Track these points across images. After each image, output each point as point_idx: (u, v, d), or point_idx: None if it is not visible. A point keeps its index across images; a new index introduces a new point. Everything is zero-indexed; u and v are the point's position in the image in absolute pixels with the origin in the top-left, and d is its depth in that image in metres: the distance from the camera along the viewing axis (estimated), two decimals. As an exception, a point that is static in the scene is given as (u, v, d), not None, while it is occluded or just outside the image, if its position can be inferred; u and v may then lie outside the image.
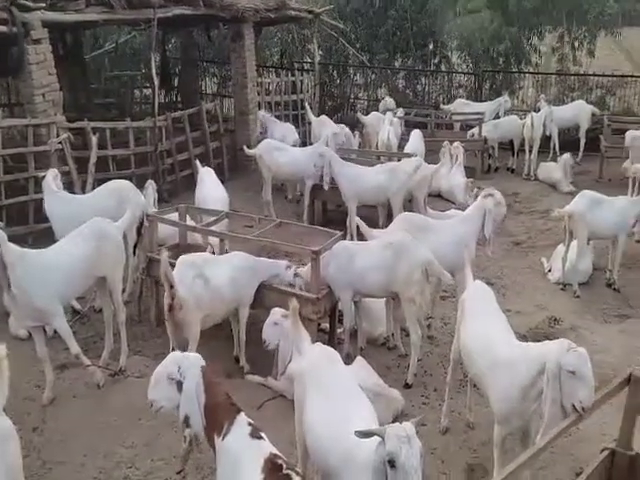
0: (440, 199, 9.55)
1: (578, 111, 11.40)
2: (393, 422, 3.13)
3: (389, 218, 7.27)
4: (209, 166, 8.51)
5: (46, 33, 7.42)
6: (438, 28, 14.37)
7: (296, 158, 8.69)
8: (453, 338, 4.42)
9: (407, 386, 5.03)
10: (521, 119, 11.28)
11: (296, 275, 5.17)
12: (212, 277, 4.83)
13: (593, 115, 11.39)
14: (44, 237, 6.53)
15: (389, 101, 12.36)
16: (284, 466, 2.63)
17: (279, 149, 8.80)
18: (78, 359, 4.77)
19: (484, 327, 3.91)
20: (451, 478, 4.07)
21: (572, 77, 13.57)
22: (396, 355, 5.55)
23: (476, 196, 7.40)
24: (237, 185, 9.92)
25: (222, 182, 7.92)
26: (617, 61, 19.60)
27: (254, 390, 4.88)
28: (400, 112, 11.40)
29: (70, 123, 7.97)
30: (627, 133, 9.39)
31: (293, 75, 13.00)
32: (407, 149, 9.46)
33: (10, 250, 4.36)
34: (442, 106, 12.98)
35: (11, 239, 4.49)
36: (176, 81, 14.85)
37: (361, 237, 6.10)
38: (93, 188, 7.30)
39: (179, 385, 2.96)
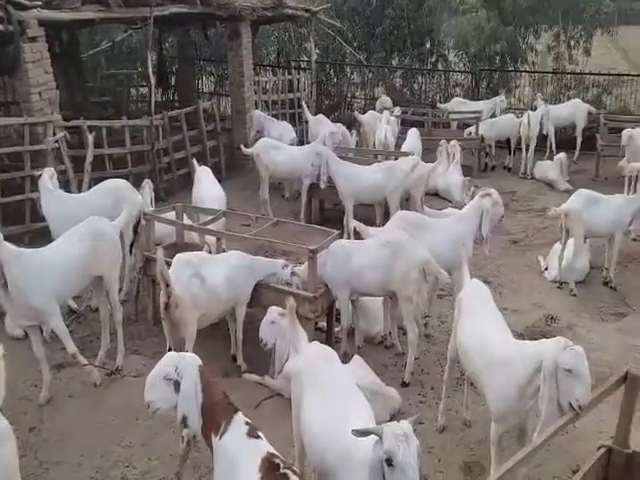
0: (437, 198, 9.56)
1: (574, 110, 11.42)
2: (390, 421, 3.13)
3: (386, 217, 7.27)
4: (206, 165, 8.50)
5: (42, 31, 7.40)
6: (435, 27, 14.38)
7: (293, 157, 8.68)
8: (450, 337, 4.42)
9: (404, 385, 5.03)
10: (518, 118, 11.29)
11: (293, 274, 5.17)
12: (208, 276, 4.82)
13: (589, 114, 11.41)
14: (40, 236, 6.52)
15: (386, 100, 12.36)
16: (281, 465, 2.62)
17: (276, 148, 8.79)
18: (75, 358, 4.76)
19: (481, 325, 3.92)
20: (448, 476, 4.07)
21: (568, 76, 13.60)
22: (393, 354, 5.55)
23: (473, 195, 7.43)
24: (234, 184, 9.91)
25: (219, 181, 7.92)
26: (613, 60, 19.64)
27: (251, 389, 4.88)
28: (397, 111, 11.41)
29: (66, 122, 7.95)
30: (623, 132, 9.40)
31: (290, 74, 13.00)
32: (404, 148, 9.47)
33: (6, 249, 4.35)
34: (439, 105, 12.98)
35: (7, 238, 4.48)
36: (173, 80, 14.83)
37: (358, 236, 6.10)
38: (89, 187, 7.29)
39: (176, 385, 2.95)
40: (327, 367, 3.40)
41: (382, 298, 5.60)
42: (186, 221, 6.31)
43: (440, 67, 15.20)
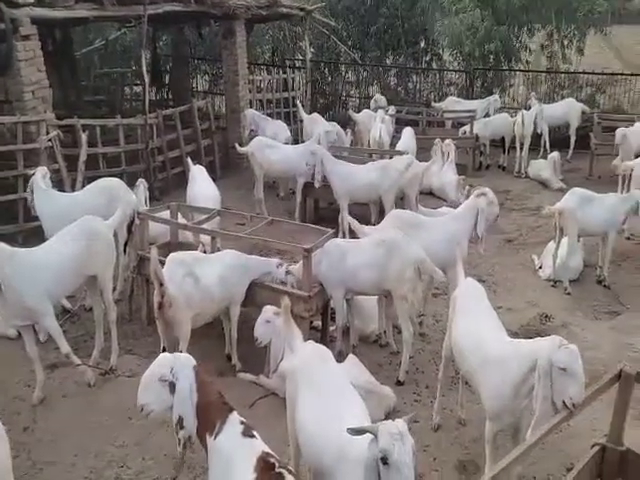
0: (432, 197, 9.58)
1: (568, 109, 11.46)
2: (385, 419, 3.13)
3: (381, 215, 7.27)
4: (200, 164, 8.49)
5: (35, 29, 7.36)
6: (429, 26, 14.40)
7: (288, 156, 8.67)
8: (445, 335, 4.43)
9: (399, 383, 5.04)
10: (512, 117, 11.32)
11: (288, 272, 5.16)
12: (202, 275, 4.81)
13: (583, 113, 11.46)
14: (34, 236, 6.48)
15: (380, 98, 12.37)
16: (276, 464, 2.62)
17: (271, 147, 8.78)
18: (68, 358, 4.74)
19: (475, 324, 3.92)
20: (443, 475, 4.08)
21: (562, 75, 13.64)
22: (388, 352, 5.56)
23: (468, 194, 7.45)
24: (229, 183, 9.89)
25: (214, 180, 7.90)
26: (606, 59, 19.73)
27: (246, 388, 4.87)
28: (392, 110, 11.42)
29: (60, 120, 7.90)
30: (617, 131, 9.44)
31: (285, 73, 12.98)
32: (399, 147, 9.47)
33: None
34: (433, 104, 13.00)
35: (0, 238, 4.46)
36: (167, 78, 14.78)
37: (353, 235, 6.10)
38: (83, 186, 7.24)
39: (172, 387, 2.93)
40: (322, 366, 3.39)
41: (377, 297, 5.60)
42: (180, 220, 6.29)
43: (434, 66, 15.22)
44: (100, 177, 6.76)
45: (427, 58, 15.47)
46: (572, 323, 6.03)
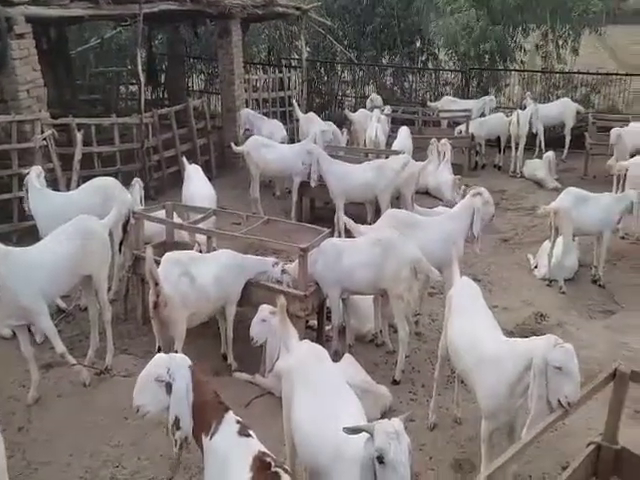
0: (427, 196, 9.58)
1: (563, 109, 11.50)
2: (381, 418, 3.13)
3: (377, 215, 7.27)
4: (196, 163, 8.46)
5: (30, 28, 7.33)
6: (424, 26, 14.41)
7: (284, 155, 8.67)
8: (441, 334, 4.44)
9: (395, 382, 5.04)
10: (507, 116, 11.35)
11: (283, 272, 5.16)
12: (198, 275, 4.80)
13: (578, 113, 11.50)
14: (28, 235, 6.45)
15: (376, 98, 12.37)
16: (272, 464, 2.62)
17: (267, 146, 8.77)
18: (63, 358, 4.71)
19: (471, 323, 3.93)
20: (439, 473, 4.08)
21: (557, 75, 13.68)
22: (384, 352, 5.56)
23: (464, 193, 7.46)
24: (225, 182, 9.87)
25: (209, 179, 7.89)
26: (601, 59, 19.80)
27: (242, 388, 4.87)
28: (387, 109, 11.43)
29: (55, 119, 7.88)
30: (612, 131, 9.46)
31: (280, 72, 12.97)
32: (395, 146, 9.48)
33: (-7, 248, 4.31)
34: (429, 103, 13.02)
35: (-6, 237, 4.44)
36: (163, 77, 14.75)
37: (349, 234, 6.10)
38: (78, 185, 7.23)
39: (168, 387, 2.92)
40: (318, 365, 3.39)
41: (373, 296, 5.60)
42: (176, 220, 6.28)
43: (430, 66, 15.24)
44: (95, 176, 6.74)
45: (423, 58, 15.49)
46: (567, 322, 6.05)
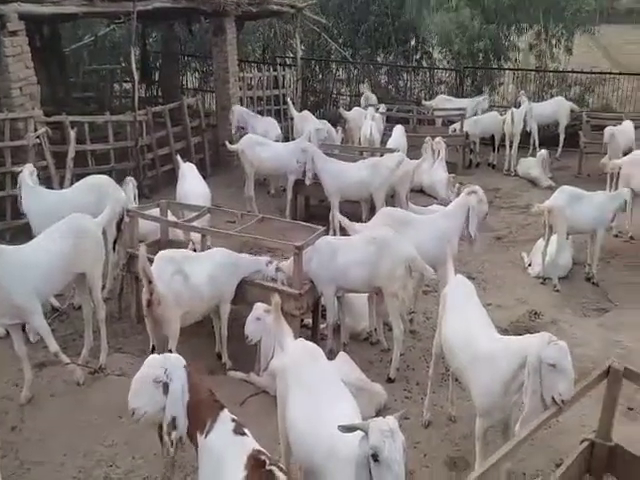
0: (422, 194, 9.59)
1: (557, 107, 11.54)
2: (376, 416, 3.13)
3: (372, 213, 7.27)
4: (190, 161, 8.44)
5: (23, 25, 7.29)
6: (418, 25, 14.42)
7: (278, 153, 8.65)
8: (435, 332, 4.44)
9: (390, 380, 5.04)
10: (501, 115, 11.38)
11: (278, 269, 5.15)
12: (192, 274, 4.78)
13: (572, 111, 11.54)
14: (22, 233, 6.41)
15: (370, 96, 12.37)
16: (267, 462, 2.61)
17: (261, 144, 8.75)
18: (57, 357, 4.69)
19: (465, 321, 3.93)
20: (433, 471, 4.09)
21: (551, 74, 13.72)
22: (379, 350, 5.57)
23: (458, 192, 7.46)
24: (219, 181, 9.85)
25: (204, 177, 7.86)
26: (595, 58, 19.86)
27: (236, 386, 4.86)
28: (382, 108, 11.43)
29: (48, 117, 7.84)
30: (605, 129, 9.51)
31: (275, 70, 12.94)
32: (389, 144, 9.48)
33: (-14, 246, 4.28)
34: (424, 102, 13.03)
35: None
36: (157, 75, 14.69)
37: (344, 232, 6.10)
38: (72, 183, 7.19)
39: (165, 387, 2.90)
40: (313, 364, 3.39)
41: (367, 294, 5.61)
42: (170, 218, 6.26)
43: (425, 64, 15.26)
44: (89, 174, 6.71)
45: (417, 56, 15.50)
46: (561, 320, 6.07)
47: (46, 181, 7.31)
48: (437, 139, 10.03)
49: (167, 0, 9.18)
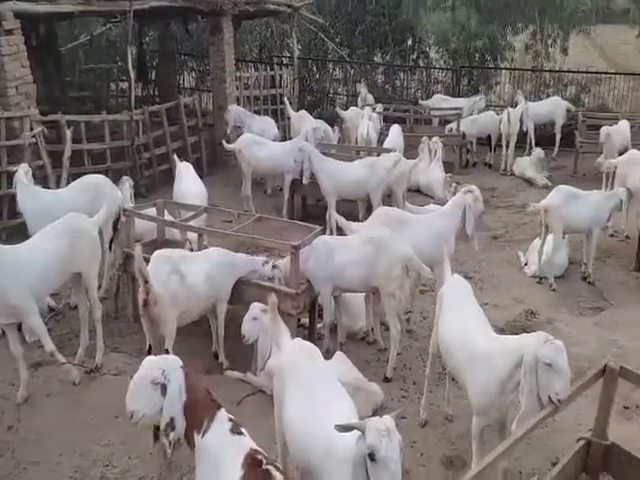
0: (419, 194, 9.61)
1: (554, 107, 11.56)
2: (373, 416, 3.14)
3: (369, 213, 7.28)
4: (187, 161, 8.42)
5: (18, 24, 7.26)
6: (415, 24, 14.43)
7: (275, 153, 8.65)
8: (432, 332, 4.45)
9: (386, 380, 5.05)
10: (498, 115, 11.40)
11: (274, 267, 5.14)
12: (188, 273, 4.77)
13: (568, 111, 11.57)
14: (18, 233, 6.40)
15: (366, 95, 12.37)
16: (264, 461, 2.61)
17: (258, 144, 8.75)
18: (53, 357, 4.68)
19: (462, 321, 3.94)
20: (430, 470, 4.10)
21: (547, 74, 13.74)
22: (375, 349, 5.57)
23: (455, 191, 7.48)
24: (216, 180, 9.84)
25: (201, 177, 7.86)
26: (591, 58, 19.89)
27: (233, 386, 4.86)
28: (379, 107, 11.43)
29: (44, 116, 7.82)
30: (601, 129, 9.53)
31: (272, 70, 12.93)
32: (386, 144, 9.49)
33: (-18, 246, 4.27)
34: (420, 101, 13.04)
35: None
36: (153, 74, 14.65)
37: (341, 232, 6.10)
38: (68, 183, 7.16)
39: (163, 389, 2.90)
40: (309, 363, 3.39)
41: (364, 294, 5.61)
42: (167, 217, 6.25)
43: (421, 64, 15.26)
44: (85, 174, 6.70)
45: (414, 56, 15.50)
46: (557, 319, 6.09)
47: (42, 180, 7.29)
48: (434, 139, 10.04)
49: (164, -1, 9.16)
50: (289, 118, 11.10)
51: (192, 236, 5.85)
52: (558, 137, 11.47)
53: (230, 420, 2.82)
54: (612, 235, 8.05)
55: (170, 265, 4.72)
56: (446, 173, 9.55)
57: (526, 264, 7.31)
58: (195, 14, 11.48)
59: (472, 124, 11.26)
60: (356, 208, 8.05)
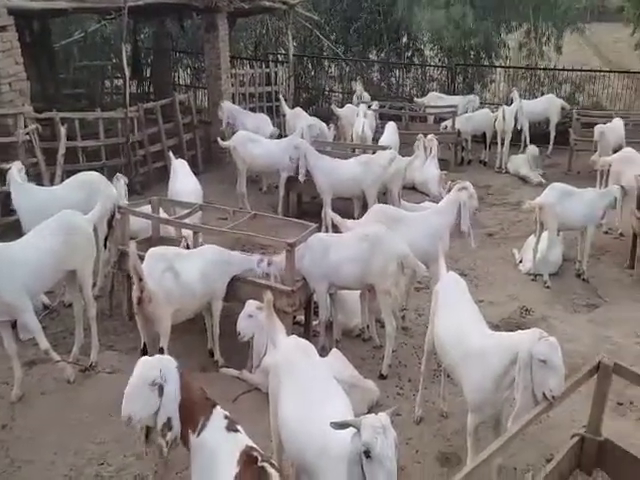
0: (414, 191, 9.62)
1: (548, 105, 11.59)
2: (368, 413, 3.14)
3: (364, 210, 7.27)
4: (182, 158, 8.40)
5: (12, 20, 7.23)
6: (409, 22, 14.42)
7: (271, 150, 8.63)
8: (427, 329, 4.45)
9: (382, 377, 5.06)
10: (493, 112, 11.42)
11: (270, 264, 5.14)
12: (183, 271, 4.76)
13: (563, 109, 11.60)
14: (12, 230, 6.36)
15: (361, 92, 12.37)
16: (259, 458, 2.62)
17: (253, 141, 8.73)
18: (47, 355, 4.66)
19: (457, 318, 3.95)
20: (425, 467, 4.11)
21: (542, 72, 13.76)
22: (371, 346, 5.58)
23: (450, 189, 7.48)
24: (211, 177, 9.82)
25: (196, 174, 7.84)
26: (585, 56, 19.95)
27: (229, 383, 4.85)
28: (375, 105, 11.43)
29: (38, 114, 7.78)
30: (595, 127, 9.57)
31: (267, 67, 12.90)
32: (382, 142, 9.49)
33: (-25, 244, 4.24)
34: (416, 99, 13.05)
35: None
36: (148, 71, 14.60)
37: (336, 229, 6.10)
38: (62, 180, 7.14)
39: (160, 390, 2.89)
40: (305, 361, 3.39)
41: (360, 291, 5.61)
42: (162, 215, 6.23)
43: (416, 61, 15.26)
44: (79, 171, 6.66)
45: (409, 54, 15.50)
46: (552, 316, 6.11)
47: (36, 178, 7.25)
48: (429, 136, 10.04)
49: (158, -4, 9.13)
50: (284, 115, 11.08)
51: (187, 233, 5.84)
52: (552, 135, 11.51)
53: (226, 417, 2.83)
54: (606, 232, 8.08)
55: (165, 263, 4.70)
56: (441, 171, 9.56)
57: (521, 261, 7.33)
58: (190, 11, 11.47)
59: (467, 122, 11.27)
60: (351, 206, 8.05)
